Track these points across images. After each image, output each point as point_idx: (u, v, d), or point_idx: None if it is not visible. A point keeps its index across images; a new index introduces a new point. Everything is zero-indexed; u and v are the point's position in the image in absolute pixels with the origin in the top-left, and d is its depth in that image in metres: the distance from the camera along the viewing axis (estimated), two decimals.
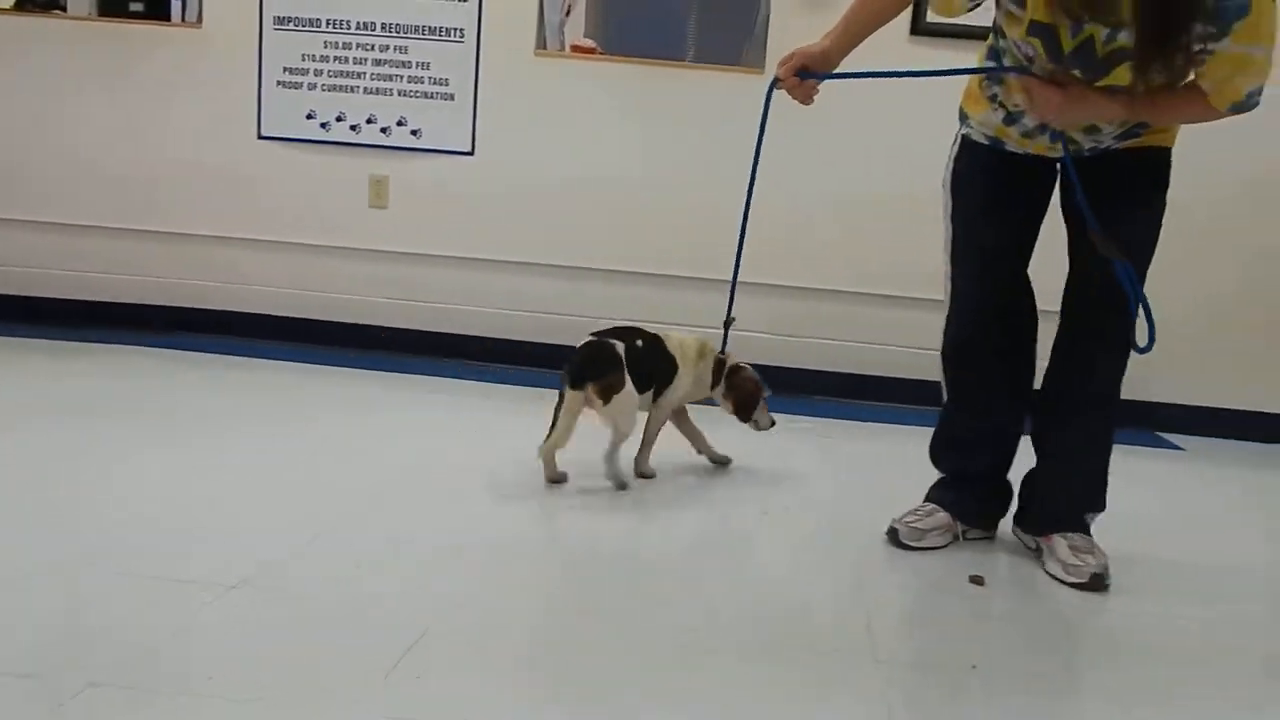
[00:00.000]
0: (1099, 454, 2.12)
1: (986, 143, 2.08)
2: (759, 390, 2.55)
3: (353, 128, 3.72)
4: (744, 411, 2.53)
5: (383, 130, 3.73)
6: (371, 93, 3.70)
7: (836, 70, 2.05)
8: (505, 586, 1.79)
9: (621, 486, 2.34)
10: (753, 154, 2.35)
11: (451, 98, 3.70)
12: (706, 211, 3.67)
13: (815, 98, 2.08)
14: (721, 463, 2.62)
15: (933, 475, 2.27)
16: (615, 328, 2.44)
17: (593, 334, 2.40)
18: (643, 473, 2.48)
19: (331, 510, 2.08)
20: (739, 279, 2.44)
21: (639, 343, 2.39)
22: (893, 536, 2.16)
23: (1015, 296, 2.15)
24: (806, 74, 2.03)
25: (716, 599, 1.81)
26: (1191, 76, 1.74)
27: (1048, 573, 2.04)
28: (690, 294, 3.69)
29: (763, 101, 2.18)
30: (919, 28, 3.50)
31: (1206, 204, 3.18)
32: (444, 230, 3.78)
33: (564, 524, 2.19)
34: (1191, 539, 2.41)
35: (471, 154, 3.74)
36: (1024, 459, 2.19)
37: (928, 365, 2.37)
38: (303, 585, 1.71)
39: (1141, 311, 1.92)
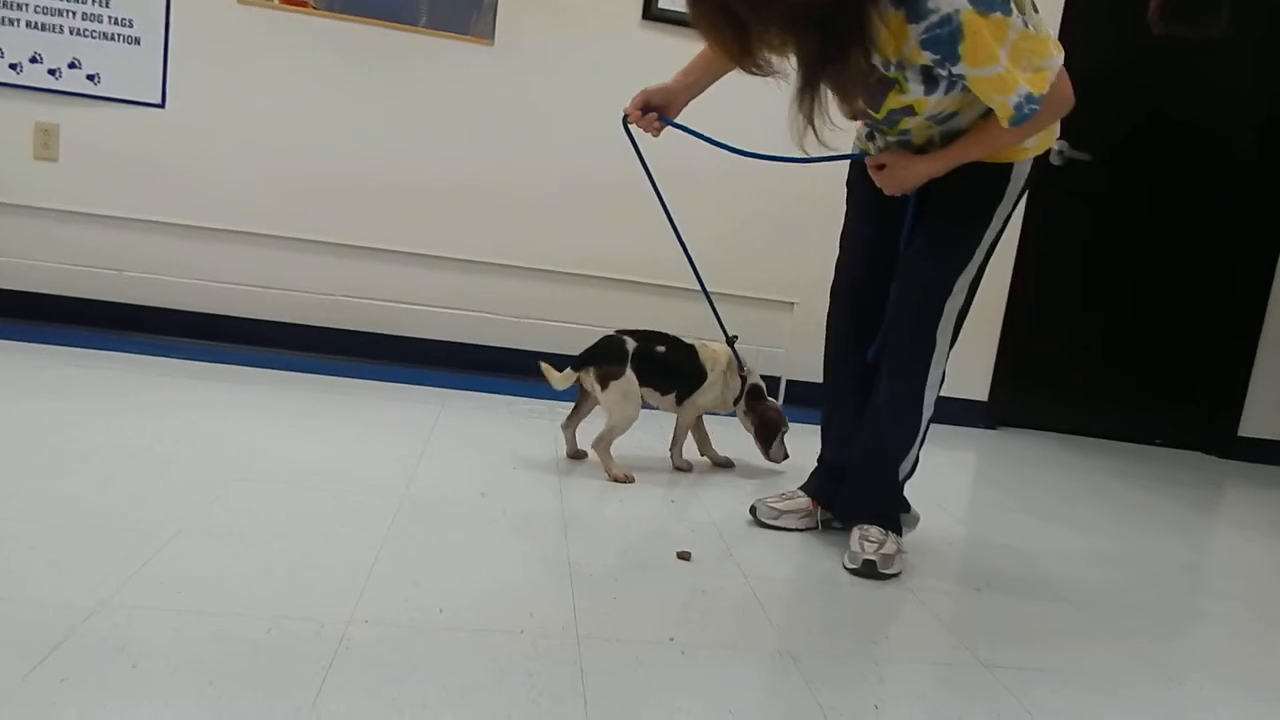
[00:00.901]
0: (886, 457, 2.14)
1: (860, 152, 2.16)
2: (781, 422, 2.66)
3: (13, 66, 3.25)
4: (766, 440, 2.64)
5: (51, 72, 3.29)
6: (36, 28, 3.25)
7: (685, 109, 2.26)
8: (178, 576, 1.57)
9: (626, 479, 2.43)
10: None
11: (137, 41, 3.31)
12: (423, 182, 3.51)
13: (661, 130, 2.25)
14: (724, 464, 2.72)
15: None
16: (645, 330, 2.55)
17: (618, 330, 2.53)
18: (678, 466, 2.63)
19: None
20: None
21: (661, 348, 2.52)
22: (752, 514, 2.26)
23: (876, 290, 2.16)
24: (649, 110, 2.23)
25: (414, 582, 1.67)
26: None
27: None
28: (399, 269, 3.54)
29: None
30: (651, 13, 3.50)
31: None
32: (126, 189, 3.38)
33: (245, 505, 1.97)
34: None
35: (161, 106, 3.37)
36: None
37: None
38: None
39: None
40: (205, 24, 3.34)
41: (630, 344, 2.48)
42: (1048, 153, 2.09)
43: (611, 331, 2.55)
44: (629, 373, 2.45)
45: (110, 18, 3.28)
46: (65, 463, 2.05)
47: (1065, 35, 3.68)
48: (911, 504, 2.21)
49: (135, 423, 2.41)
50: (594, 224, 3.59)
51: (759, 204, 3.62)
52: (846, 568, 2.05)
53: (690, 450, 2.69)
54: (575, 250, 3.59)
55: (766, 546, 2.13)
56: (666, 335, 2.58)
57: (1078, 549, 2.45)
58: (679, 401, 2.59)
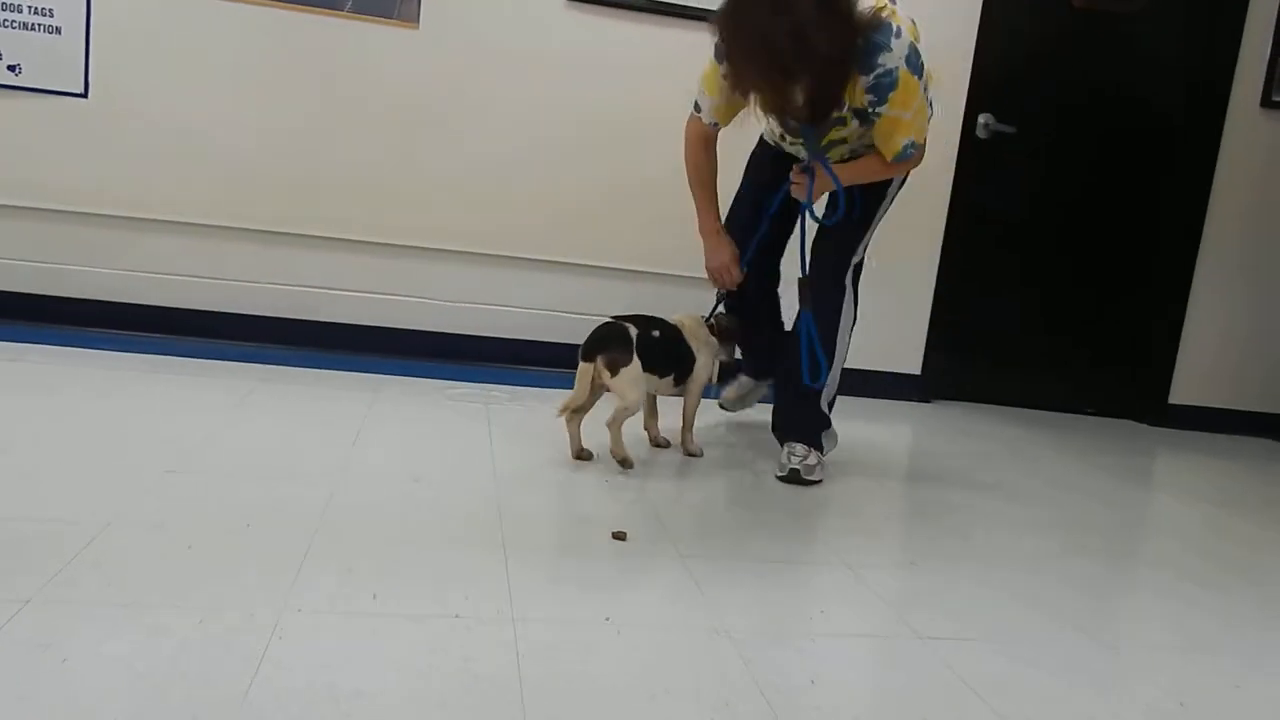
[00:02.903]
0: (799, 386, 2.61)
1: (771, 142, 2.76)
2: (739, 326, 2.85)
3: None
4: (731, 347, 2.85)
5: None
6: None
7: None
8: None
9: (625, 464, 2.48)
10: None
11: (58, 31, 3.24)
12: (350, 167, 3.49)
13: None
14: (662, 444, 2.76)
15: None
16: (636, 315, 2.56)
17: (613, 317, 2.54)
18: (690, 451, 2.71)
19: None
20: None
21: (655, 332, 2.54)
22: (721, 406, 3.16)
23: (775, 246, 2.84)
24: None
25: (347, 569, 1.68)
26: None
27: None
28: (329, 255, 3.52)
29: None
30: None
31: None
32: (52, 181, 3.32)
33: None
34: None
35: (85, 96, 3.31)
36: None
37: None
38: None
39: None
40: (127, 12, 3.28)
41: (632, 330, 2.49)
42: None
43: (608, 318, 2.54)
44: (635, 359, 2.45)
45: (30, 7, 3.20)
46: None
47: (990, 8, 3.76)
48: (833, 423, 2.69)
49: (62, 415, 2.39)
50: (523, 206, 3.59)
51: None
52: (777, 476, 2.57)
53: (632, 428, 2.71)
54: (504, 233, 3.59)
55: (701, 525, 2.16)
56: (654, 318, 2.60)
57: (1011, 519, 2.51)
58: (677, 383, 2.64)
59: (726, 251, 2.71)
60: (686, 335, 2.65)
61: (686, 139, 2.65)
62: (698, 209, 2.72)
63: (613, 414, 2.47)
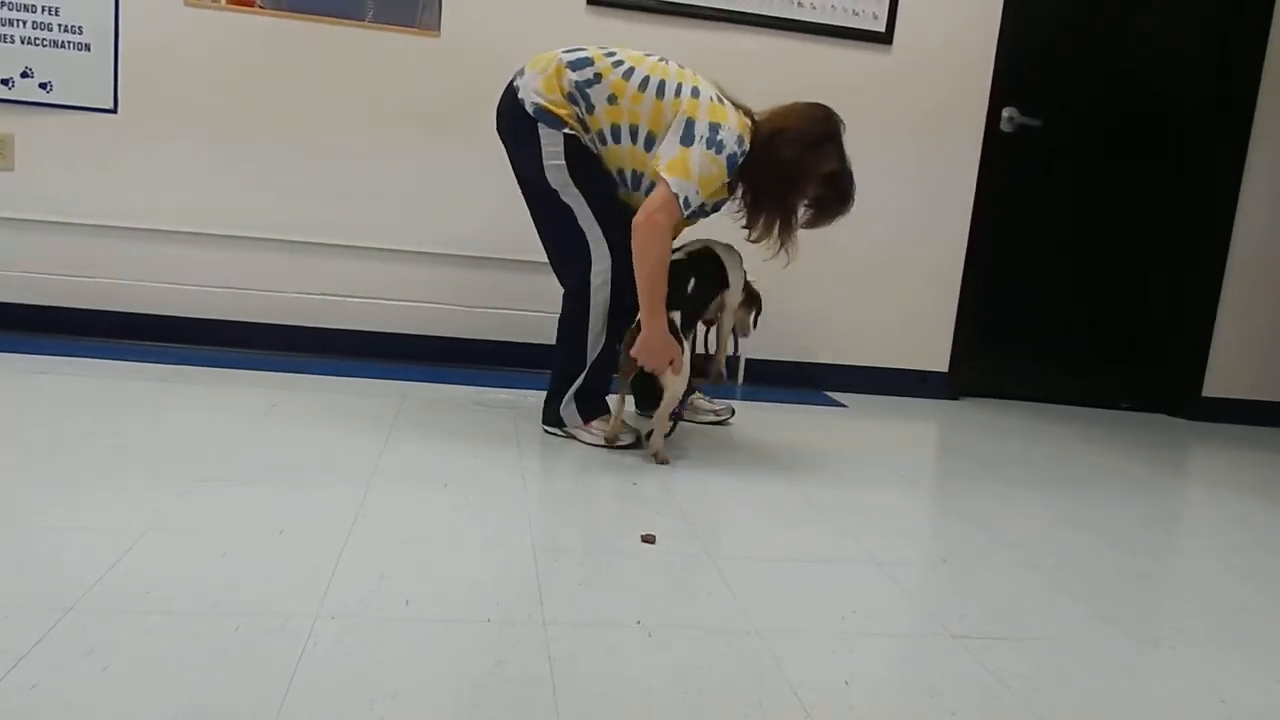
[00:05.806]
0: None
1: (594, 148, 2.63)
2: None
3: None
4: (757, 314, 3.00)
5: (4, 82, 3.27)
6: None
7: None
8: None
9: (662, 462, 2.50)
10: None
11: (88, 48, 3.29)
12: (376, 175, 3.51)
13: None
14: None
15: None
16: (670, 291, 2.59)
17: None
18: (714, 410, 2.96)
19: None
20: None
21: (691, 282, 2.60)
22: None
23: None
24: None
25: (379, 575, 1.69)
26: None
27: None
28: (355, 263, 3.55)
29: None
30: None
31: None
32: (84, 195, 3.37)
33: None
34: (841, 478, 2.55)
35: (114, 111, 3.36)
36: None
37: None
38: None
39: None
40: (154, 28, 3.33)
41: (675, 317, 2.49)
42: None
43: None
44: (685, 348, 2.48)
45: (60, 25, 3.26)
46: (30, 467, 2.05)
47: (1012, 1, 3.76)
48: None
49: (96, 426, 2.41)
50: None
51: None
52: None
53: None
54: (530, 238, 3.59)
55: (730, 526, 2.16)
56: (690, 265, 2.65)
57: (1043, 514, 2.49)
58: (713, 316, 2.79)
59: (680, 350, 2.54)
60: (724, 260, 2.74)
61: (664, 230, 2.42)
62: (656, 310, 2.44)
63: (658, 411, 2.50)
